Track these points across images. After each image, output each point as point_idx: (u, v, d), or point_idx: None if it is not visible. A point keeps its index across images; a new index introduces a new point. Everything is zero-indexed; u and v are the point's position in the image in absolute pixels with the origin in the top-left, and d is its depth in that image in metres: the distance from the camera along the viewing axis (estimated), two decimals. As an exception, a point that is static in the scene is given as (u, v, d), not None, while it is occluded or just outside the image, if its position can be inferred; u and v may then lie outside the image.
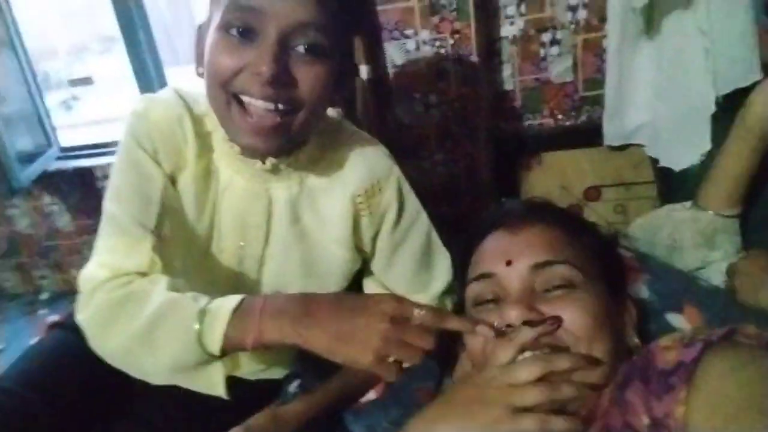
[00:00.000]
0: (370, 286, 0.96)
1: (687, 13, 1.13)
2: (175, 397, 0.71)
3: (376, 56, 1.33)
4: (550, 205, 0.76)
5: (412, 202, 0.89)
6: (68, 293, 2.13)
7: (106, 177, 1.92)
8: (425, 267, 0.91)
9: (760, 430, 0.44)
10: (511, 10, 1.39)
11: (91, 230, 1.97)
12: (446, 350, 0.88)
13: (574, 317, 0.59)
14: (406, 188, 0.87)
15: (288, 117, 0.68)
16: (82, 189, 2.07)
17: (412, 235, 0.89)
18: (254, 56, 0.64)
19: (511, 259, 0.65)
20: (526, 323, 0.58)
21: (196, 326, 0.62)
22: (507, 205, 0.80)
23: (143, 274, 0.71)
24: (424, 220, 0.90)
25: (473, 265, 0.70)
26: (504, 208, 0.76)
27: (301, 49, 0.65)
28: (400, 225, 0.87)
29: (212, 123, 0.76)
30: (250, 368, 0.91)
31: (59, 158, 2.13)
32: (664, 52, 1.18)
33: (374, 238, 0.87)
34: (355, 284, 0.93)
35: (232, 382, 0.65)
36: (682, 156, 1.17)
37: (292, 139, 0.71)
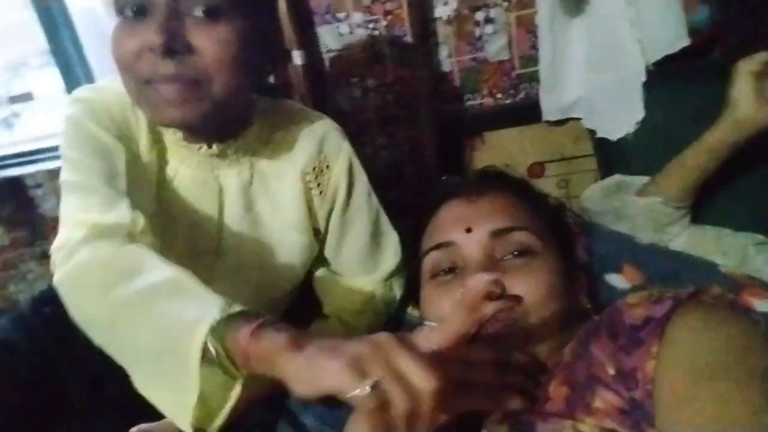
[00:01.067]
0: (320, 281, 0.94)
1: (612, -18, 1.14)
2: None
3: (309, 42, 1.30)
4: (505, 173, 0.76)
5: (363, 181, 0.87)
6: (7, 311, 2.02)
7: (38, 185, 1.82)
8: (375, 248, 0.90)
9: (728, 391, 0.44)
10: (443, -11, 1.38)
11: (27, 243, 1.87)
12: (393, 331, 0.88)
13: (532, 287, 0.59)
14: (357, 166, 0.86)
15: (200, 88, 0.63)
16: (13, 200, 1.96)
17: (362, 215, 0.87)
18: (147, 31, 0.60)
19: (470, 226, 0.64)
20: (488, 294, 0.57)
21: (214, 318, 0.53)
22: (453, 179, 0.79)
23: (128, 235, 0.63)
24: (374, 200, 0.88)
25: (430, 235, 0.69)
26: (458, 179, 0.74)
27: (198, 12, 0.61)
28: (351, 204, 0.85)
29: None
30: None
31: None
32: (593, 24, 1.19)
33: (327, 219, 0.85)
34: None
35: None
36: (617, 126, 1.18)
37: (219, 110, 0.66)
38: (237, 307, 0.54)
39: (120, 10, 0.62)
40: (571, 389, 0.54)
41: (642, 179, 0.95)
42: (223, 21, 0.62)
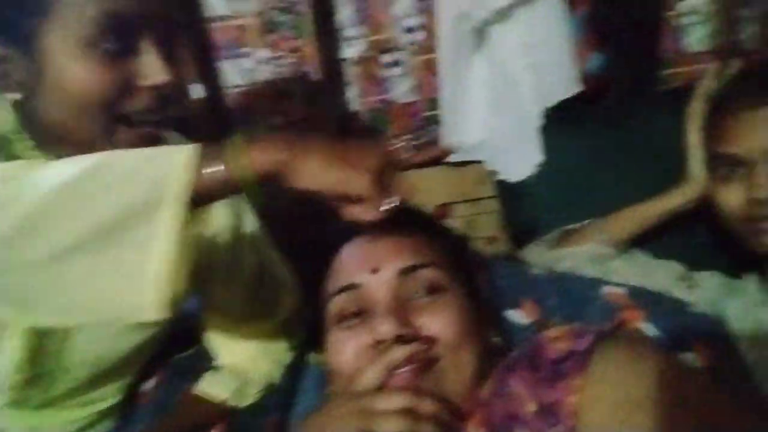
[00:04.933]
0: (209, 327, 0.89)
1: (510, 28, 1.19)
2: None
3: (210, 75, 1.25)
4: (408, 208, 0.74)
5: (250, 219, 0.83)
6: None
7: None
8: (269, 289, 0.86)
9: (652, 424, 0.45)
10: (350, 31, 1.39)
11: None
12: (293, 379, 0.82)
13: (446, 325, 0.58)
14: (243, 204, 0.81)
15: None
16: None
17: (251, 253, 0.83)
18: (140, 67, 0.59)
19: (376, 266, 0.61)
20: (399, 338, 0.56)
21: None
22: None
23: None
24: (263, 237, 0.84)
25: (333, 277, 0.65)
26: None
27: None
28: (237, 243, 0.80)
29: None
30: None
31: None
32: (492, 68, 1.23)
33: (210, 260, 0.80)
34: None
35: None
36: (517, 168, 1.22)
37: None
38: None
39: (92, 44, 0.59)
40: (488, 431, 0.53)
41: (583, 225, 1.01)
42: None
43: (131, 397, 0.88)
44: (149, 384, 0.89)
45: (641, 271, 0.90)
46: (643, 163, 1.08)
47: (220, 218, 0.79)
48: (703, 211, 0.91)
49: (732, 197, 0.81)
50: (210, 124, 1.25)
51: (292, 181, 0.53)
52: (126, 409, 0.88)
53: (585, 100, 1.22)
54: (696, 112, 0.92)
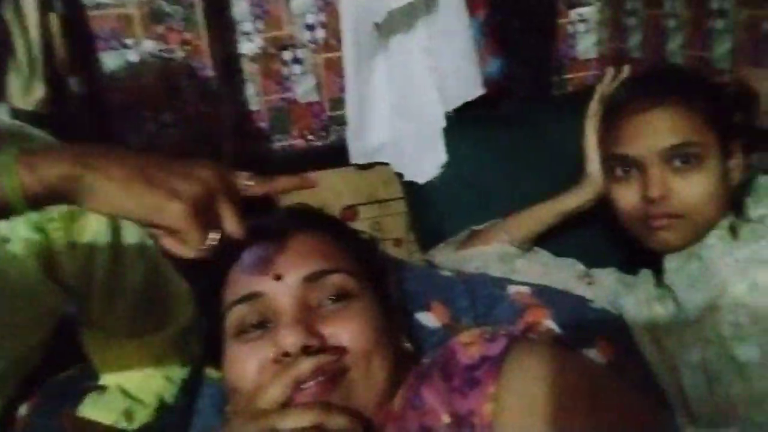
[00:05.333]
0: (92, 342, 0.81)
1: (412, 33, 1.18)
2: None
3: (88, 67, 1.13)
4: (312, 210, 0.69)
5: (132, 227, 0.75)
6: None
7: None
8: (160, 300, 0.80)
9: (568, 429, 0.44)
10: (247, 26, 1.32)
11: None
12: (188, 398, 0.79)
13: (355, 334, 0.54)
14: None
15: None
16: None
17: (138, 262, 0.76)
18: None
19: (279, 272, 0.57)
20: (305, 349, 0.51)
21: None
22: (256, 221, 0.72)
23: None
24: (151, 244, 0.77)
25: (232, 285, 0.60)
26: (262, 218, 0.67)
27: None
28: (117, 254, 0.74)
29: None
30: None
31: None
32: (395, 70, 1.22)
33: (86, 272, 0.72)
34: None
35: None
36: (422, 170, 1.21)
37: None
38: None
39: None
40: None
41: (489, 225, 1.02)
42: None
43: (1, 425, 0.78)
44: (23, 409, 0.79)
45: (544, 270, 0.92)
46: (543, 165, 1.11)
47: (93, 226, 0.70)
48: (601, 210, 0.94)
49: (626, 196, 0.84)
50: (88, 121, 1.12)
51: (84, 204, 0.44)
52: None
53: (487, 103, 1.25)
54: (592, 116, 0.96)
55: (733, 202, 0.82)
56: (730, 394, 0.72)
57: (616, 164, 0.85)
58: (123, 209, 0.44)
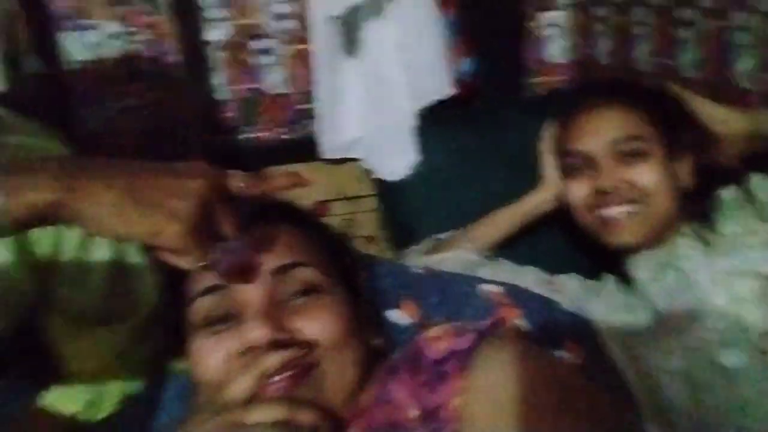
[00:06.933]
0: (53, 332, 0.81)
1: (384, 29, 1.17)
2: None
3: (47, 47, 1.08)
4: (282, 203, 0.67)
5: None
6: None
7: None
8: (124, 288, 0.80)
9: (536, 424, 0.44)
10: (214, 12, 1.28)
11: None
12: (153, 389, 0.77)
13: (324, 328, 0.54)
14: None
15: None
16: None
17: (102, 247, 0.76)
18: None
19: None
20: (273, 343, 0.50)
21: None
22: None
23: None
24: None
25: (197, 277, 0.58)
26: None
27: None
28: (83, 239, 0.74)
29: None
30: None
31: None
32: (367, 66, 1.20)
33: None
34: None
35: None
36: (393, 167, 1.20)
37: None
38: None
39: None
40: None
41: (452, 234, 1.02)
42: None
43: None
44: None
45: (508, 277, 0.93)
46: (513, 165, 1.12)
47: None
48: (561, 217, 0.96)
49: (580, 190, 0.87)
50: (47, 102, 1.07)
51: (77, 225, 0.42)
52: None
53: (458, 102, 1.25)
54: (549, 126, 0.99)
55: (693, 212, 0.84)
56: (717, 402, 0.73)
57: (571, 160, 0.89)
58: (116, 234, 0.42)
